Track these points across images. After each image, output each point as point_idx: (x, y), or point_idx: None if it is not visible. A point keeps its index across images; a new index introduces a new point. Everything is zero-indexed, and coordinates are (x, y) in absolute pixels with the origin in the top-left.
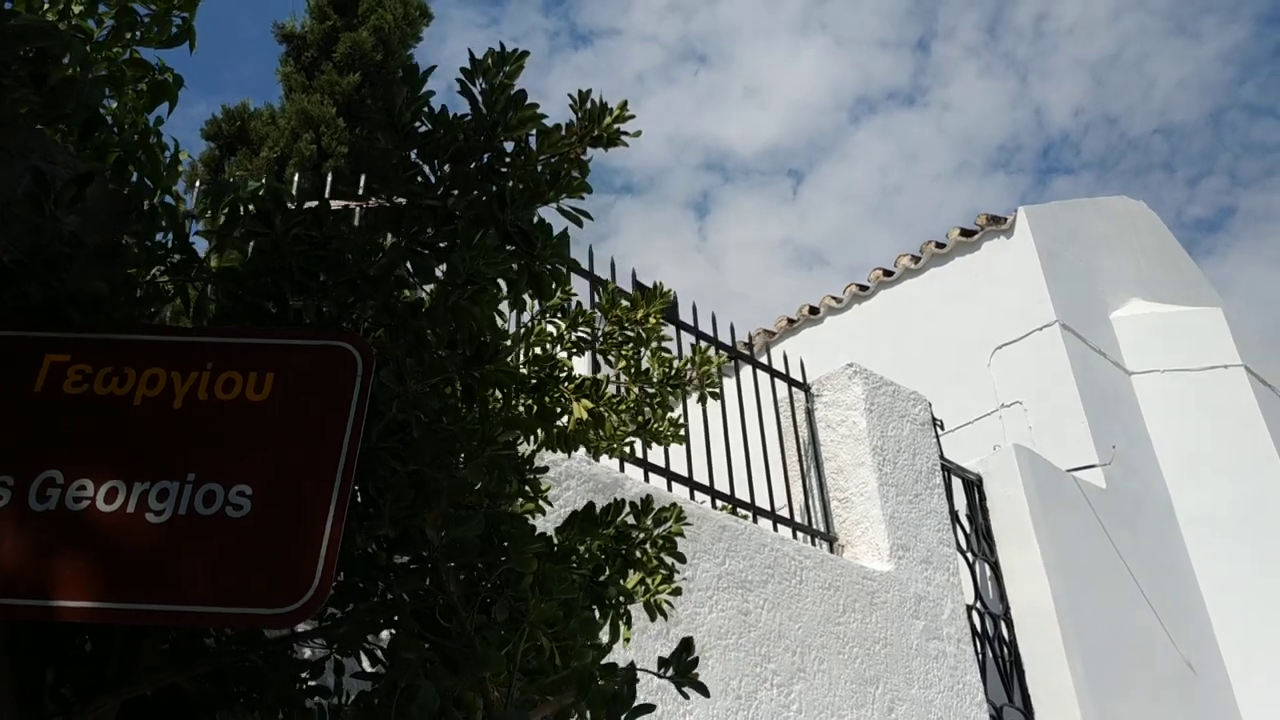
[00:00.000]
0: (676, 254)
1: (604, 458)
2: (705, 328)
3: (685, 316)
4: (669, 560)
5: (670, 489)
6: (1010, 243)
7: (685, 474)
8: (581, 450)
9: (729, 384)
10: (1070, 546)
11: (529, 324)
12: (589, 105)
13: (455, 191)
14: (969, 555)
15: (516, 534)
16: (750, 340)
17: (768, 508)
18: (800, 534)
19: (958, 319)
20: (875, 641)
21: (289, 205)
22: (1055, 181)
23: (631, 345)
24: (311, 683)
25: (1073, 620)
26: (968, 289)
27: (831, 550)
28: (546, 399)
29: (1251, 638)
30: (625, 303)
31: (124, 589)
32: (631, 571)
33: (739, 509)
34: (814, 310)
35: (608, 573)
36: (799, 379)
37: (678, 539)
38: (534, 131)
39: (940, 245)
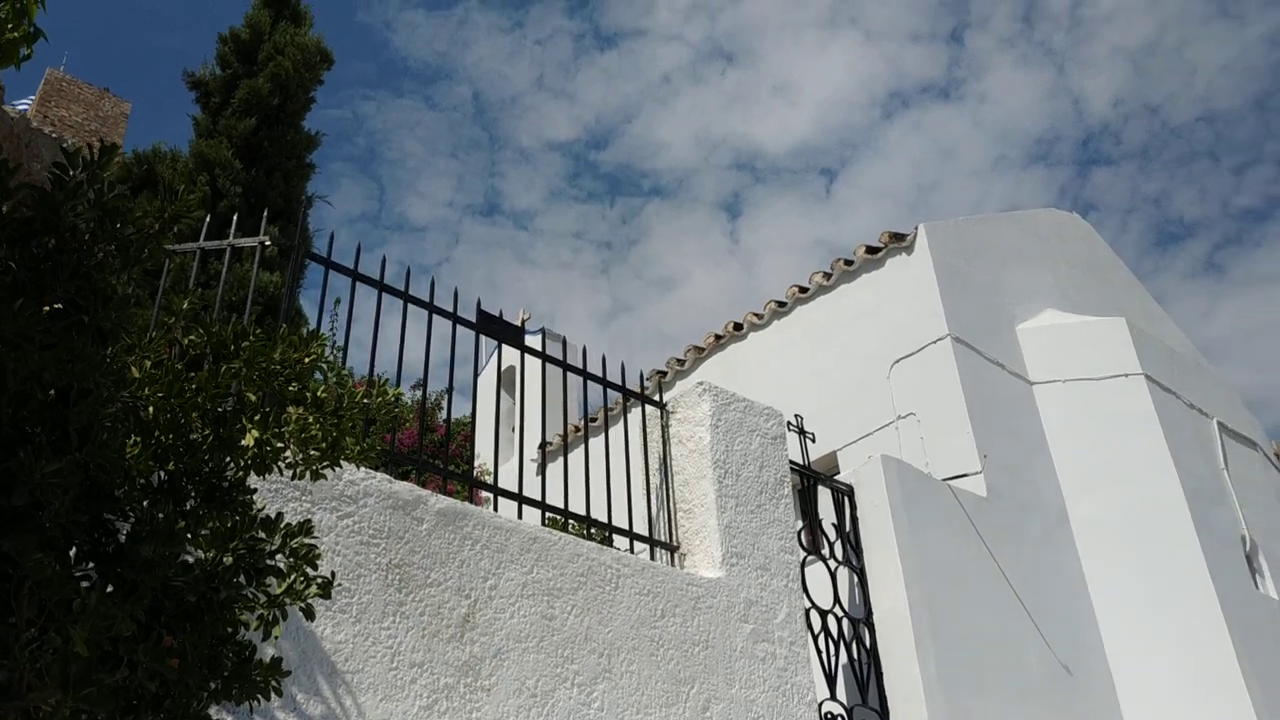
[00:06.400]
0: (707, 257)
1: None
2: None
3: (538, 346)
4: (308, 569)
5: (496, 507)
6: (911, 259)
7: (515, 490)
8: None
9: (598, 412)
10: (936, 553)
11: (123, 359)
12: (173, 192)
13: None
14: (831, 562)
15: (25, 538)
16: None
17: (621, 523)
18: (640, 544)
19: (864, 334)
20: (695, 644)
21: None
22: (1095, 173)
23: (296, 384)
24: None
25: (929, 624)
26: (873, 305)
27: (673, 559)
28: (222, 430)
29: (1137, 642)
30: (285, 346)
31: None
32: (275, 580)
33: (571, 520)
34: (738, 326)
35: (226, 579)
36: (657, 399)
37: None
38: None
39: (849, 263)
